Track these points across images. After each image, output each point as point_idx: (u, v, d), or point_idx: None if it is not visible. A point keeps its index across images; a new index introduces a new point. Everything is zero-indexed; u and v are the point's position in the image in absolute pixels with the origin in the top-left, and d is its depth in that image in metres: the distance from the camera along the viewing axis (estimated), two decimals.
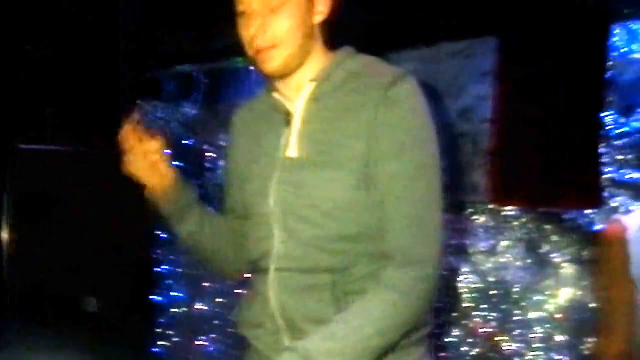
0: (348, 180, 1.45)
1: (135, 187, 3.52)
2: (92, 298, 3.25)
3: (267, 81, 1.61)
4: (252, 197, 1.58)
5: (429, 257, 1.44)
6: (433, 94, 2.93)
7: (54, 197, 3.23)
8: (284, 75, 1.52)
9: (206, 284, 3.67)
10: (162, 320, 3.78)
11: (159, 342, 3.68)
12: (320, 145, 1.48)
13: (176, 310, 3.78)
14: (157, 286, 3.78)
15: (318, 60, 1.54)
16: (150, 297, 3.72)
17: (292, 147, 1.51)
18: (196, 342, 3.68)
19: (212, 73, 3.77)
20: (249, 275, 1.69)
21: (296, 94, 1.55)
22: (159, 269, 3.79)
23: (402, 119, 1.44)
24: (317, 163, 1.47)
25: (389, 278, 1.44)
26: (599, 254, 2.33)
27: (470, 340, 2.92)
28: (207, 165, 3.77)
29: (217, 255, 1.75)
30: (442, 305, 2.93)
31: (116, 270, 3.33)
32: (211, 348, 3.65)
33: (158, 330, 3.73)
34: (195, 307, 3.65)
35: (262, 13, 1.46)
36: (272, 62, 1.49)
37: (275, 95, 1.59)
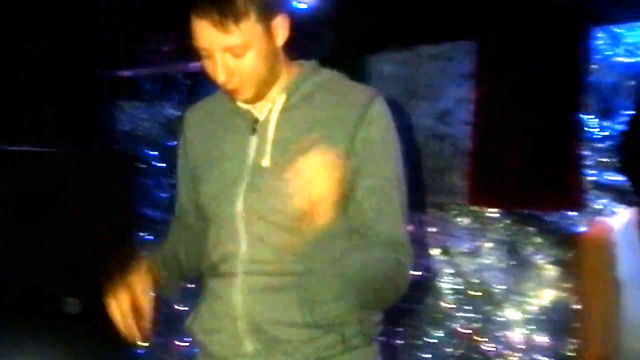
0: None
1: (120, 190, 3.51)
2: (75, 299, 3.23)
3: None
4: (213, 200, 1.60)
5: (407, 250, 1.57)
6: (411, 97, 2.96)
7: (39, 199, 3.21)
8: (256, 102, 1.58)
9: (186, 285, 3.65)
10: None
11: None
12: (292, 154, 1.52)
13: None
14: None
15: (285, 73, 1.59)
16: None
17: (265, 156, 1.55)
18: (176, 343, 3.66)
19: (192, 74, 3.76)
20: (203, 279, 1.69)
21: (264, 104, 1.59)
22: None
23: (379, 137, 1.55)
24: (288, 171, 1.49)
25: (376, 248, 1.53)
26: (581, 255, 2.32)
27: (452, 341, 2.92)
28: None
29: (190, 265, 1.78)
30: (424, 306, 2.93)
31: (99, 272, 3.31)
32: (191, 349, 3.63)
33: None
34: (176, 307, 3.63)
35: (224, 55, 1.48)
36: (243, 96, 1.55)
37: (241, 103, 1.60)
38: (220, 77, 1.50)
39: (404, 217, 1.59)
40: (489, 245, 2.88)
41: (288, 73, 1.59)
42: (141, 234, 3.69)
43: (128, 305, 1.54)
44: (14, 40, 3.68)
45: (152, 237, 3.66)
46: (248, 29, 1.45)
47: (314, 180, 1.46)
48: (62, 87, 3.74)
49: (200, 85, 3.77)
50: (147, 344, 1.60)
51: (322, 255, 1.52)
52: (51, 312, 3.19)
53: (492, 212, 2.87)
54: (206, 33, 1.46)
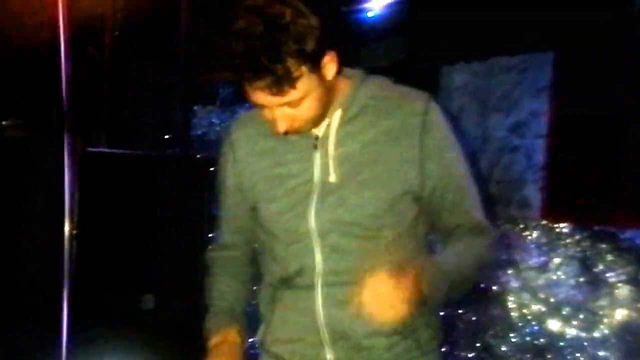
0: (388, 199, 1.55)
1: (195, 191, 3.60)
2: (151, 295, 3.32)
3: None
4: (281, 217, 1.60)
5: (490, 231, 1.64)
6: (485, 108, 2.94)
7: (115, 198, 3.32)
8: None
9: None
10: None
11: None
12: (359, 167, 1.55)
13: None
14: None
15: (337, 88, 1.58)
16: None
17: (331, 173, 1.56)
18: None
19: None
20: (270, 292, 1.69)
21: None
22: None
23: (443, 140, 1.59)
24: (357, 183, 1.55)
25: (471, 240, 1.59)
26: None
27: (517, 355, 2.88)
28: None
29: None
30: (490, 319, 2.90)
31: (173, 270, 3.41)
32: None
33: None
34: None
35: (282, 108, 1.47)
36: (303, 131, 1.55)
37: None
38: (280, 128, 1.50)
39: (481, 205, 1.64)
40: (559, 260, 2.83)
41: (340, 87, 1.58)
42: (212, 235, 3.77)
43: None
44: (90, 48, 3.82)
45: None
46: (303, 84, 1.44)
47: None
48: (138, 92, 3.85)
49: None
50: None
51: (397, 255, 1.55)
52: (128, 309, 3.28)
53: (563, 227, 2.82)
54: (262, 97, 1.45)
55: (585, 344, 2.74)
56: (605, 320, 2.71)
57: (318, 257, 1.57)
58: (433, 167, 1.57)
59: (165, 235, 3.40)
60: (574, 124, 2.73)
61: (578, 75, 2.71)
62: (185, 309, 3.41)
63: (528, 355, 2.87)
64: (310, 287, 1.58)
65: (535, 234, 2.90)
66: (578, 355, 2.75)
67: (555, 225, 2.84)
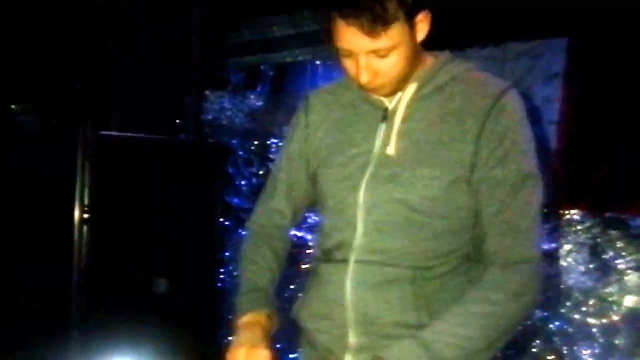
0: (444, 180, 1.47)
1: (204, 176, 3.61)
2: (163, 279, 3.33)
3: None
4: (334, 185, 1.56)
5: (532, 259, 1.47)
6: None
7: (126, 182, 3.33)
8: (393, 94, 1.54)
9: None
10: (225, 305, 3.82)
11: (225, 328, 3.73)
12: (419, 144, 1.50)
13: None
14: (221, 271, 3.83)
15: (419, 63, 1.53)
16: (216, 282, 3.78)
17: (391, 144, 1.51)
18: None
19: (278, 65, 3.82)
20: (314, 264, 1.66)
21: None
22: (222, 255, 3.84)
23: (509, 129, 1.47)
24: (414, 160, 1.49)
25: (497, 278, 1.45)
26: None
27: (529, 341, 2.89)
28: (271, 156, 3.82)
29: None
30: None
31: (185, 254, 3.43)
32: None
33: (223, 315, 3.77)
34: None
35: (368, 56, 1.43)
36: (381, 93, 1.52)
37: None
38: (363, 78, 1.46)
39: (533, 218, 1.49)
40: (569, 247, 2.84)
41: (421, 62, 1.53)
42: (223, 219, 3.79)
43: None
44: (108, 38, 3.82)
45: (232, 223, 3.74)
46: (396, 32, 1.40)
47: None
48: (152, 77, 3.86)
49: (284, 77, 3.84)
50: None
51: (442, 250, 1.50)
52: (142, 292, 3.29)
53: (574, 214, 2.82)
54: (352, 37, 1.40)
55: (594, 330, 2.75)
56: (615, 306, 2.71)
57: (359, 232, 1.51)
58: (485, 154, 1.46)
59: (176, 220, 3.42)
60: (586, 111, 2.72)
61: (591, 62, 2.71)
62: (198, 292, 3.44)
63: (537, 341, 2.88)
64: (345, 262, 1.52)
65: (546, 221, 2.90)
66: (587, 341, 2.76)
67: (566, 212, 2.84)
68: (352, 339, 1.52)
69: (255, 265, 1.68)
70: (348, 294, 1.51)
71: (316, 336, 1.59)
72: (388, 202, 1.49)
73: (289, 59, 3.76)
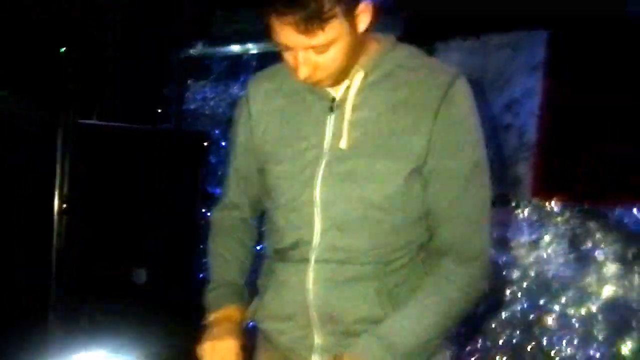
0: (401, 174, 1.44)
1: (185, 166, 3.58)
2: (143, 270, 3.32)
3: None
4: (285, 182, 1.51)
5: (484, 254, 1.49)
6: (479, 86, 2.94)
7: (106, 172, 3.31)
8: (335, 85, 1.49)
9: None
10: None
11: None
12: (372, 136, 1.45)
13: None
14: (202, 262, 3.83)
15: (363, 49, 1.47)
16: (197, 272, 3.78)
17: (343, 137, 1.46)
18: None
19: (260, 55, 3.81)
20: (267, 263, 1.62)
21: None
22: (203, 245, 3.85)
23: (461, 118, 1.45)
24: (368, 154, 1.45)
25: (450, 273, 1.47)
26: None
27: (506, 331, 2.92)
28: None
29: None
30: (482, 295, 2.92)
31: (164, 244, 3.41)
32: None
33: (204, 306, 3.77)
34: None
35: (307, 52, 1.39)
36: (322, 85, 1.46)
37: None
38: (301, 73, 1.41)
39: (484, 210, 1.48)
40: (549, 237, 2.85)
41: (365, 49, 1.47)
42: (204, 210, 3.78)
43: None
44: (87, 26, 3.79)
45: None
46: (334, 28, 1.35)
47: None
48: (133, 66, 3.83)
49: (266, 67, 3.83)
50: None
51: (400, 243, 1.48)
52: (122, 283, 3.27)
53: (554, 205, 2.84)
54: (289, 35, 1.36)
55: (573, 320, 2.77)
56: (593, 297, 2.74)
57: (317, 230, 1.47)
58: (438, 146, 1.44)
59: (157, 210, 3.40)
60: (567, 103, 2.73)
61: (572, 54, 2.72)
62: (178, 283, 3.43)
63: (517, 331, 2.90)
64: (304, 261, 1.48)
65: (526, 212, 2.91)
66: (566, 331, 2.78)
67: (546, 204, 2.86)
68: (318, 339, 1.50)
69: (221, 258, 1.66)
70: (311, 295, 1.48)
71: (277, 337, 1.56)
72: (346, 199, 1.45)
73: (271, 49, 3.75)
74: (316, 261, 1.48)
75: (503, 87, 2.90)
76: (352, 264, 1.46)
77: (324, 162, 1.47)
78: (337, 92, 1.49)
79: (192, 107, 4.07)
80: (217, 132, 3.91)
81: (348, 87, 1.48)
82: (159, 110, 3.92)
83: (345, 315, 1.47)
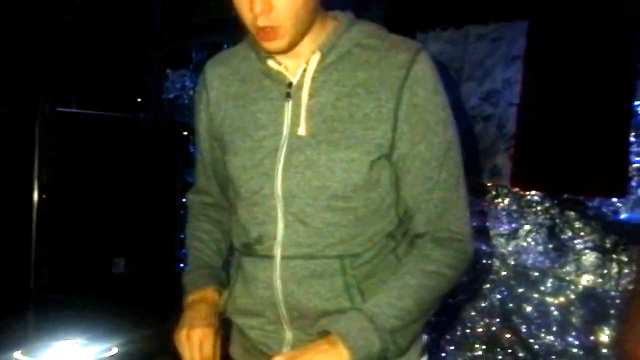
0: (363, 161, 1.38)
1: (165, 155, 3.57)
2: (121, 259, 3.31)
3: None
4: (245, 174, 1.45)
5: (465, 235, 1.45)
6: (458, 76, 2.94)
7: (85, 161, 3.29)
8: (287, 52, 1.41)
9: None
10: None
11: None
12: (331, 122, 1.39)
13: None
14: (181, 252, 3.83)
15: (319, 27, 1.41)
16: (176, 262, 3.77)
17: (301, 124, 1.40)
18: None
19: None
20: (235, 256, 1.57)
21: (296, 64, 1.43)
22: (182, 235, 3.84)
23: (426, 99, 1.39)
24: (329, 142, 1.39)
25: (430, 252, 1.43)
26: None
27: (485, 320, 2.94)
28: None
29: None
30: (461, 284, 2.94)
31: (144, 234, 3.40)
32: None
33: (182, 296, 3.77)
34: None
35: None
36: (276, 43, 1.36)
37: (271, 63, 1.44)
38: (256, 8, 1.30)
39: (459, 189, 1.44)
40: (528, 227, 2.87)
41: (322, 27, 1.41)
42: (184, 199, 3.77)
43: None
44: (68, 15, 3.75)
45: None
46: None
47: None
48: (113, 55, 3.80)
49: None
50: None
51: (367, 233, 1.43)
52: (100, 272, 3.26)
53: (533, 195, 2.86)
54: None
55: (552, 308, 2.79)
56: (572, 286, 2.76)
57: (280, 225, 1.42)
58: (406, 130, 1.38)
59: (136, 199, 3.39)
60: (546, 94, 2.74)
61: (552, 45, 2.72)
62: (156, 273, 3.43)
63: (496, 320, 2.92)
64: (270, 257, 1.43)
65: (505, 202, 2.93)
66: (544, 319, 2.80)
67: (525, 193, 2.87)
68: (289, 333, 1.47)
69: (198, 241, 1.63)
70: (279, 291, 1.44)
71: (247, 331, 1.53)
72: (308, 191, 1.39)
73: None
74: (282, 257, 1.43)
75: (483, 78, 2.90)
76: (317, 259, 1.42)
77: (283, 152, 1.41)
78: (293, 77, 1.43)
79: (171, 96, 4.05)
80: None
81: (304, 71, 1.42)
82: (139, 100, 3.89)
83: (313, 309, 1.43)
